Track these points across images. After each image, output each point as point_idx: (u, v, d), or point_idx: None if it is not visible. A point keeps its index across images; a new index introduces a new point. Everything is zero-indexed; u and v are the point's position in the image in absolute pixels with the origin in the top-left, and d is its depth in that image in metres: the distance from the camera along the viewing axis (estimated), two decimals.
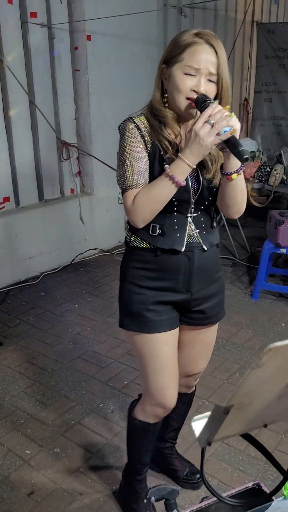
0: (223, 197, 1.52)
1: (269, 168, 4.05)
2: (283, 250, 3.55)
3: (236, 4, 5.61)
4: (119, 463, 2.16)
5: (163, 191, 1.42)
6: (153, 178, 1.46)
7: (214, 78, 1.41)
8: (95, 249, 4.55)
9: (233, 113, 1.34)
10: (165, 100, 1.49)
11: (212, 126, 1.31)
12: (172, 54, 1.43)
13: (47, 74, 3.94)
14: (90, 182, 4.42)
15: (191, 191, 1.50)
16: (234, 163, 1.41)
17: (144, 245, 1.56)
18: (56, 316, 3.46)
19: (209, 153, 1.47)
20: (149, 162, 1.47)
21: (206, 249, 1.57)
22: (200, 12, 5.14)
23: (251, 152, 4.40)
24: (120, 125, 1.51)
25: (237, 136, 1.34)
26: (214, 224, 1.63)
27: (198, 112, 1.40)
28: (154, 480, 2.06)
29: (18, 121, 3.83)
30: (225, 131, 1.32)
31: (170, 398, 1.68)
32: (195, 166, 1.39)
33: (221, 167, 1.46)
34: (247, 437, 0.94)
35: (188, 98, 1.41)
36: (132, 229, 1.58)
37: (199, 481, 2.03)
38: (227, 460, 2.18)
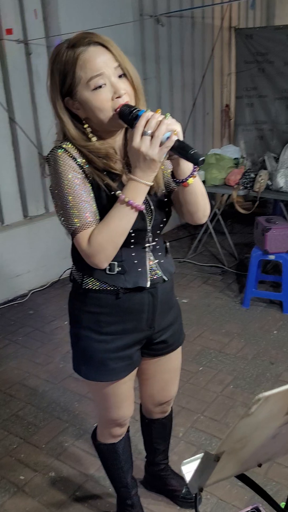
0: (185, 206, 1.37)
1: (254, 174, 4.05)
2: (272, 257, 3.54)
3: (213, 10, 5.63)
4: None
5: (122, 221, 1.25)
6: (103, 208, 1.30)
7: (121, 71, 1.25)
8: None
9: (168, 114, 1.20)
10: (87, 135, 1.31)
11: (152, 137, 1.17)
12: (67, 83, 1.25)
13: (25, 90, 3.91)
14: None
15: (146, 218, 1.37)
16: (186, 167, 1.27)
17: (101, 287, 1.39)
18: (45, 334, 3.41)
19: None
20: (93, 193, 1.30)
21: (166, 279, 1.47)
22: (177, 20, 5.15)
23: (234, 159, 4.40)
24: (48, 155, 1.32)
25: (180, 137, 1.20)
26: (168, 250, 1.52)
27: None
28: (152, 502, 2.03)
29: None
30: (167, 138, 1.18)
31: (127, 420, 1.70)
32: (152, 183, 1.24)
33: (172, 176, 1.32)
34: (242, 477, 0.92)
35: (116, 109, 1.25)
36: (81, 267, 1.40)
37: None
38: None
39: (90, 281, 1.40)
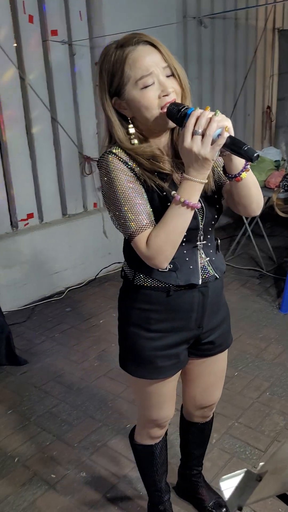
0: (239, 200, 1.35)
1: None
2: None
3: (256, 12, 5.55)
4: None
5: (179, 221, 1.23)
6: (156, 209, 1.30)
7: (169, 71, 1.25)
8: (119, 262, 4.51)
9: (217, 111, 1.18)
10: (131, 135, 1.31)
11: (203, 136, 1.15)
12: (115, 83, 1.26)
13: (68, 91, 3.95)
14: None
15: (198, 216, 1.36)
16: (239, 162, 1.25)
17: (152, 284, 1.38)
18: (81, 332, 3.43)
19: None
20: (146, 195, 1.30)
21: (218, 277, 1.45)
22: (220, 21, 5.10)
23: (275, 161, 4.31)
24: (98, 161, 1.31)
25: (232, 133, 1.17)
26: (219, 248, 1.50)
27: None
28: (179, 510, 1.99)
29: (41, 137, 3.85)
30: (218, 135, 1.15)
31: (168, 421, 1.69)
32: (207, 181, 1.23)
33: (225, 172, 1.30)
34: (283, 497, 0.87)
35: (163, 107, 1.24)
36: (132, 264, 1.41)
37: None
38: None
39: (142, 278, 1.39)
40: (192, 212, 1.24)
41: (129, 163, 1.29)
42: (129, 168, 1.29)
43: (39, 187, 3.94)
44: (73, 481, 2.16)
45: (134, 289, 1.42)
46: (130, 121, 1.31)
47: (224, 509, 1.93)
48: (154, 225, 1.28)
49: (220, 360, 1.67)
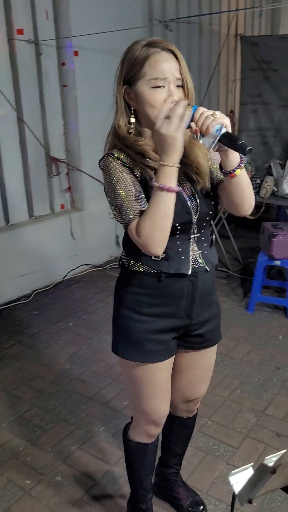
0: (232, 197, 1.43)
1: (260, 180, 4.06)
2: (278, 262, 3.54)
3: (220, 18, 5.66)
4: (123, 490, 2.10)
5: (160, 205, 1.31)
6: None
7: (180, 83, 1.37)
8: (87, 264, 4.49)
9: (217, 112, 1.29)
10: (131, 125, 1.41)
11: (168, 118, 1.26)
12: (131, 73, 1.37)
13: (35, 91, 3.91)
14: (80, 197, 4.38)
15: (192, 211, 1.44)
16: (234, 158, 1.33)
17: (145, 269, 1.48)
18: (51, 336, 3.39)
19: (192, 163, 1.42)
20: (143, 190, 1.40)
21: (208, 269, 1.53)
22: (185, 26, 5.17)
23: None
24: (100, 161, 1.42)
25: (230, 130, 1.28)
26: (213, 242, 1.58)
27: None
28: (157, 510, 2.00)
29: (7, 138, 3.78)
30: (217, 130, 1.26)
31: (163, 418, 1.69)
32: (179, 165, 1.30)
33: (221, 168, 1.39)
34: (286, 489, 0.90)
35: None
36: (129, 253, 1.51)
37: None
38: None
39: (136, 264, 1.49)
40: (173, 195, 1.31)
41: (128, 163, 1.39)
42: (126, 167, 1.39)
43: (5, 188, 3.87)
44: (48, 486, 2.13)
45: (129, 274, 1.51)
46: (133, 112, 1.42)
47: (201, 507, 1.96)
48: None
49: (209, 356, 1.71)
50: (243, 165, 1.36)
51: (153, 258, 1.45)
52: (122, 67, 1.40)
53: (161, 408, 1.65)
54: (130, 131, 1.41)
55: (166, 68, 1.34)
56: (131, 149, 1.39)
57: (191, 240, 1.48)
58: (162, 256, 1.44)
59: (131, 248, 1.46)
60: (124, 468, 2.18)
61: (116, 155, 1.39)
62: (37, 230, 4.03)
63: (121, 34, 4.13)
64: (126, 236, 1.48)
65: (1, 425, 2.51)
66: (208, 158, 1.47)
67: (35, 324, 3.55)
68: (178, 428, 1.88)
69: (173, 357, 1.62)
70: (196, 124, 1.28)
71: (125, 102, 1.42)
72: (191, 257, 1.48)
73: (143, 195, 1.39)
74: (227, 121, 1.27)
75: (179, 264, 1.46)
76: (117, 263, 3.55)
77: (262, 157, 5.84)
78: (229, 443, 2.36)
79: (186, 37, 5.23)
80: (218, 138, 1.27)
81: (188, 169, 1.44)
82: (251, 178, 4.12)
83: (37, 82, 3.91)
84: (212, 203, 1.50)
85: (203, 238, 1.51)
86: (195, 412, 1.91)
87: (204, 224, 1.49)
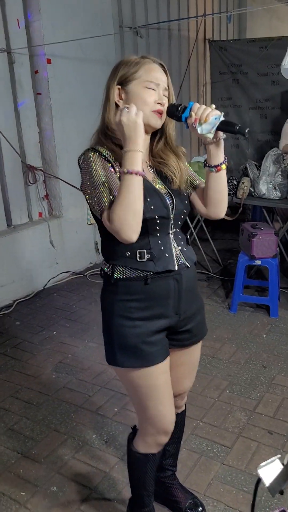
0: (213, 195, 1.55)
1: (236, 181, 4.12)
2: (258, 262, 3.60)
3: (188, 23, 5.74)
4: (120, 496, 2.08)
5: (130, 188, 1.36)
6: None
7: (167, 94, 1.51)
8: (67, 272, 4.46)
9: (212, 105, 1.45)
10: None
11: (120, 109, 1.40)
12: (127, 74, 1.48)
13: (8, 99, 3.87)
14: (58, 204, 4.35)
15: (169, 206, 1.51)
16: (220, 153, 1.49)
17: (131, 275, 1.49)
18: (35, 345, 3.35)
19: (169, 166, 1.54)
20: None
21: (189, 266, 1.58)
22: (155, 32, 5.22)
23: None
24: (80, 158, 1.48)
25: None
26: (189, 241, 1.67)
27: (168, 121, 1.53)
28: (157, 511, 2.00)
29: None
30: (216, 118, 1.41)
31: (171, 424, 1.67)
32: (143, 150, 1.40)
33: (205, 164, 1.53)
34: None
35: (154, 111, 1.47)
36: (111, 258, 1.52)
37: None
38: (230, 482, 2.15)
39: (120, 270, 1.50)
40: (140, 179, 1.37)
41: (109, 157, 1.46)
42: (107, 160, 1.45)
43: None
44: (44, 497, 2.10)
45: (114, 283, 1.52)
46: None
47: (200, 508, 1.96)
48: None
49: (195, 351, 1.74)
50: (226, 161, 1.51)
51: (138, 260, 1.48)
52: (116, 70, 1.50)
53: (168, 413, 1.64)
54: None
55: (159, 76, 1.48)
56: (117, 140, 1.46)
57: (170, 236, 1.54)
58: (148, 257, 1.48)
59: (113, 254, 1.51)
60: (120, 474, 2.19)
61: (98, 149, 1.46)
62: (15, 239, 3.99)
63: (93, 41, 4.16)
64: (106, 242, 1.52)
65: None
66: (179, 166, 1.57)
67: (18, 335, 3.50)
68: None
69: (169, 359, 1.62)
70: (195, 114, 1.42)
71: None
72: (174, 253, 1.54)
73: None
74: (219, 112, 1.43)
75: (165, 261, 1.51)
76: (98, 270, 3.48)
77: (234, 159, 5.93)
78: (222, 443, 2.37)
79: (156, 42, 5.28)
80: (217, 124, 1.42)
81: (164, 169, 1.55)
82: (227, 180, 4.18)
83: (11, 90, 3.87)
84: (186, 202, 1.59)
85: (179, 236, 1.59)
86: (183, 408, 1.92)
87: (179, 222, 1.57)
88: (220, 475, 2.18)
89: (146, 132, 1.50)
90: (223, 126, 1.42)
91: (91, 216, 4.79)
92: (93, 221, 4.60)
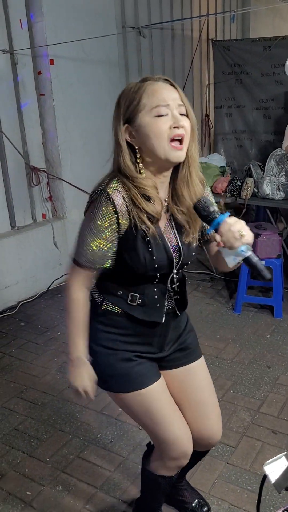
0: (219, 264, 1.52)
1: (240, 182, 4.12)
2: (262, 262, 3.59)
3: (191, 23, 5.74)
4: (125, 495, 2.09)
5: (68, 332, 1.49)
6: (133, 248, 1.36)
7: (184, 111, 1.31)
8: None
9: (246, 229, 1.24)
10: (138, 162, 1.35)
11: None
12: (130, 109, 1.31)
13: (12, 100, 3.88)
14: (62, 206, 4.36)
15: (174, 262, 1.43)
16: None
17: (119, 310, 1.47)
18: (39, 346, 3.36)
19: (185, 214, 1.40)
20: (128, 243, 1.36)
21: (179, 314, 1.56)
22: (158, 32, 5.22)
23: (220, 167, 4.46)
24: (93, 193, 1.35)
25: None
26: (185, 284, 1.59)
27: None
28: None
29: None
30: (241, 251, 1.24)
31: (188, 444, 1.56)
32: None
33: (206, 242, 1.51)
34: None
35: (173, 145, 1.30)
36: (103, 291, 1.48)
37: None
38: (234, 481, 2.15)
39: (111, 306, 1.48)
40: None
41: (120, 210, 1.32)
42: (116, 216, 1.32)
43: None
44: (49, 496, 2.11)
45: (102, 314, 1.49)
46: (137, 150, 1.35)
47: (206, 508, 1.96)
48: (97, 269, 1.41)
49: (196, 374, 1.62)
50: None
51: (128, 302, 1.45)
52: (119, 108, 1.34)
53: (181, 434, 1.53)
54: (141, 171, 1.36)
55: (166, 95, 1.29)
56: (137, 190, 1.33)
57: (168, 287, 1.48)
58: (138, 302, 1.45)
59: (106, 287, 1.48)
60: (124, 473, 2.20)
61: (112, 196, 1.32)
62: (19, 240, 4.00)
63: (96, 42, 4.17)
64: (101, 275, 1.48)
65: None
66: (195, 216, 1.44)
67: (23, 336, 3.52)
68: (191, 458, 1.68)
69: (163, 378, 1.55)
70: (221, 238, 1.24)
71: (126, 143, 1.35)
72: (165, 304, 1.49)
73: (104, 259, 1.37)
74: (251, 240, 1.26)
75: (154, 311, 1.46)
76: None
77: (238, 160, 5.93)
78: (226, 443, 2.38)
79: (159, 43, 5.29)
80: (240, 259, 1.26)
81: (179, 218, 1.41)
82: (231, 181, 4.18)
83: (14, 91, 3.89)
84: (194, 253, 1.49)
85: (178, 283, 1.52)
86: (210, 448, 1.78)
87: (181, 270, 1.51)
88: (224, 475, 2.19)
89: (166, 169, 1.37)
90: (246, 263, 1.26)
91: None
92: None
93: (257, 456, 2.28)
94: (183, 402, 1.59)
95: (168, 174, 1.40)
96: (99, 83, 4.42)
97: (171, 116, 1.29)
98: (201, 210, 1.29)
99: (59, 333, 3.53)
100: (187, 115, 1.33)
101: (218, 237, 1.26)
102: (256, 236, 3.49)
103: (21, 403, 2.75)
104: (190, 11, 5.73)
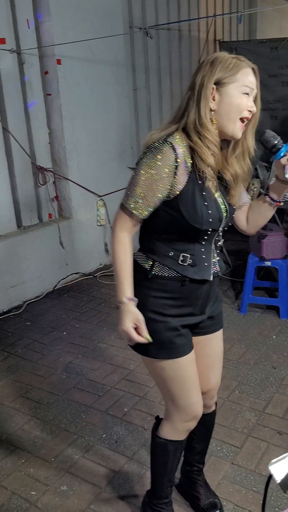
0: (260, 219, 1.66)
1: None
2: (268, 263, 3.58)
3: (198, 24, 5.73)
4: (130, 495, 2.09)
5: (115, 279, 1.52)
6: (195, 213, 1.46)
7: (254, 98, 1.50)
8: (77, 273, 4.47)
9: None
10: (212, 120, 1.48)
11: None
12: (225, 75, 1.44)
13: (18, 100, 3.89)
14: (68, 206, 4.37)
15: (223, 219, 1.54)
16: (285, 192, 1.56)
17: (169, 273, 1.54)
18: (45, 346, 3.36)
19: (232, 174, 1.53)
20: (187, 197, 1.46)
21: (220, 275, 1.65)
22: (165, 33, 5.22)
23: None
24: (153, 144, 1.45)
25: None
26: (223, 249, 1.69)
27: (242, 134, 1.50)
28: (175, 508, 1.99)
29: None
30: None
31: (201, 408, 1.72)
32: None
33: (269, 196, 1.59)
34: None
35: (242, 118, 1.46)
36: (152, 254, 1.56)
37: None
38: (240, 482, 2.14)
39: (160, 268, 1.55)
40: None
41: (180, 158, 1.43)
42: (175, 163, 1.43)
43: None
44: (54, 496, 2.11)
45: (151, 279, 1.56)
46: (212, 112, 1.48)
47: (218, 511, 1.95)
48: (142, 220, 1.52)
49: (216, 342, 1.77)
50: (285, 198, 1.59)
51: (179, 262, 1.52)
52: (213, 68, 1.45)
53: (198, 400, 1.69)
54: (212, 119, 1.47)
55: (253, 81, 1.47)
56: (203, 142, 1.45)
57: (213, 247, 1.58)
58: (189, 262, 1.53)
59: (155, 250, 1.55)
60: (129, 473, 2.20)
61: (174, 145, 1.43)
62: (26, 240, 4.01)
63: (103, 42, 4.18)
64: (147, 236, 1.57)
65: (0, 438, 2.48)
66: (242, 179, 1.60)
67: (28, 335, 3.52)
68: (197, 425, 1.83)
69: (193, 349, 1.67)
70: None
71: None
72: (212, 263, 1.58)
73: (156, 203, 1.47)
74: None
75: (203, 270, 1.55)
76: (108, 271, 3.49)
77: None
78: (231, 443, 2.37)
79: (166, 43, 5.28)
80: None
81: (225, 174, 1.53)
82: None
83: (21, 91, 3.90)
84: (233, 216, 1.65)
85: (218, 244, 1.63)
86: (213, 408, 1.92)
87: (222, 233, 1.62)
88: (229, 475, 2.18)
89: (222, 137, 1.51)
90: None
91: (101, 218, 4.78)
92: (103, 222, 4.63)
93: (262, 456, 2.27)
94: (198, 364, 1.72)
95: (219, 140, 1.52)
96: (106, 83, 4.42)
97: (250, 100, 1.47)
98: (271, 141, 1.50)
99: (64, 333, 3.53)
100: (255, 101, 1.51)
101: (284, 160, 1.48)
102: (262, 237, 3.47)
103: (27, 403, 2.75)
104: (197, 12, 5.72)
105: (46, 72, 4.05)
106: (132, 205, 1.47)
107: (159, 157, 1.42)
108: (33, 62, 3.93)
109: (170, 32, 5.29)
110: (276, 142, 1.50)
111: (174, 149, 1.43)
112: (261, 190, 4.03)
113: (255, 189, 3.97)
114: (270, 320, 3.60)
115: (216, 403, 1.94)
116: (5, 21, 3.69)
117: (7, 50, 3.73)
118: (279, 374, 2.92)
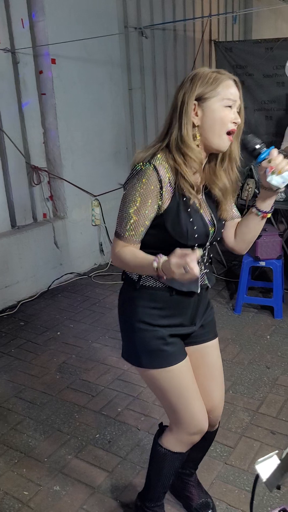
0: (248, 233, 1.62)
1: (241, 183, 4.10)
2: (262, 263, 3.59)
3: (193, 24, 5.74)
4: (124, 496, 2.08)
5: (142, 270, 1.46)
6: (180, 229, 1.46)
7: (238, 109, 1.49)
8: (71, 273, 4.47)
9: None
10: (197, 136, 1.47)
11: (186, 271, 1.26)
12: (206, 90, 1.44)
13: (13, 99, 3.88)
14: (63, 205, 4.36)
15: (210, 235, 1.55)
16: (272, 202, 1.54)
17: (157, 285, 1.55)
18: (39, 346, 3.35)
19: (220, 187, 1.54)
20: (172, 214, 1.46)
21: (209, 286, 1.65)
22: (160, 33, 5.22)
23: None
24: (137, 165, 1.46)
25: None
26: (212, 262, 1.70)
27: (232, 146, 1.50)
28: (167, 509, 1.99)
29: None
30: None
31: (205, 421, 1.68)
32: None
33: (255, 206, 1.56)
34: None
35: (228, 133, 1.45)
36: None
37: None
38: (232, 482, 2.14)
39: (148, 280, 1.55)
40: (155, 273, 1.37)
41: (163, 180, 1.44)
42: (159, 186, 1.44)
43: None
44: (47, 496, 2.10)
45: (139, 289, 1.57)
46: (196, 128, 1.48)
47: (211, 510, 1.95)
48: (137, 243, 1.50)
49: (210, 351, 1.74)
50: (272, 209, 1.57)
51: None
52: (192, 84, 1.45)
53: (200, 412, 1.65)
54: (196, 135, 1.47)
55: (235, 93, 1.46)
56: (185, 161, 1.45)
57: (200, 261, 1.57)
58: None
59: None
60: (122, 474, 2.19)
61: (157, 167, 1.43)
62: (20, 240, 4.00)
63: (98, 42, 4.17)
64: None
65: None
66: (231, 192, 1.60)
67: (22, 335, 3.51)
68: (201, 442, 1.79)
69: (188, 358, 1.65)
70: (272, 162, 1.43)
71: None
72: (200, 276, 1.58)
73: (148, 224, 1.47)
74: None
75: (190, 283, 1.53)
76: (102, 271, 3.51)
77: (241, 161, 5.92)
78: (225, 443, 2.37)
79: (161, 43, 5.28)
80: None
81: (213, 189, 1.55)
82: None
83: (15, 90, 3.89)
84: (222, 230, 1.64)
85: (206, 256, 1.63)
86: (216, 427, 1.87)
87: (209, 246, 1.62)
88: (222, 475, 2.18)
89: (208, 151, 1.51)
90: None
91: (96, 217, 4.76)
92: (97, 222, 4.63)
93: (255, 456, 2.27)
94: (196, 376, 1.70)
95: (206, 156, 1.53)
96: (101, 83, 4.42)
97: (233, 112, 1.46)
98: (252, 145, 1.48)
99: (58, 333, 3.52)
100: (239, 113, 1.51)
101: (271, 162, 1.44)
102: (257, 237, 3.47)
103: (20, 403, 2.74)
104: (193, 12, 5.72)
105: (41, 72, 4.04)
106: (127, 234, 1.48)
107: (144, 181, 1.44)
108: (28, 61, 3.93)
109: (165, 32, 5.30)
110: (257, 146, 1.48)
111: (157, 172, 1.44)
112: (256, 190, 4.03)
113: (250, 189, 3.97)
114: (265, 320, 3.60)
115: (219, 422, 1.89)
116: (0, 20, 3.68)
117: (1, 50, 3.72)
118: (273, 374, 2.92)
